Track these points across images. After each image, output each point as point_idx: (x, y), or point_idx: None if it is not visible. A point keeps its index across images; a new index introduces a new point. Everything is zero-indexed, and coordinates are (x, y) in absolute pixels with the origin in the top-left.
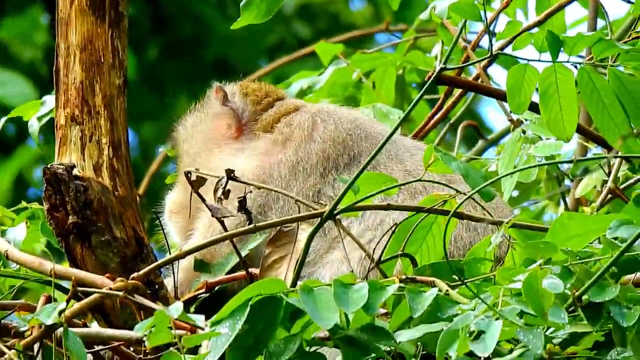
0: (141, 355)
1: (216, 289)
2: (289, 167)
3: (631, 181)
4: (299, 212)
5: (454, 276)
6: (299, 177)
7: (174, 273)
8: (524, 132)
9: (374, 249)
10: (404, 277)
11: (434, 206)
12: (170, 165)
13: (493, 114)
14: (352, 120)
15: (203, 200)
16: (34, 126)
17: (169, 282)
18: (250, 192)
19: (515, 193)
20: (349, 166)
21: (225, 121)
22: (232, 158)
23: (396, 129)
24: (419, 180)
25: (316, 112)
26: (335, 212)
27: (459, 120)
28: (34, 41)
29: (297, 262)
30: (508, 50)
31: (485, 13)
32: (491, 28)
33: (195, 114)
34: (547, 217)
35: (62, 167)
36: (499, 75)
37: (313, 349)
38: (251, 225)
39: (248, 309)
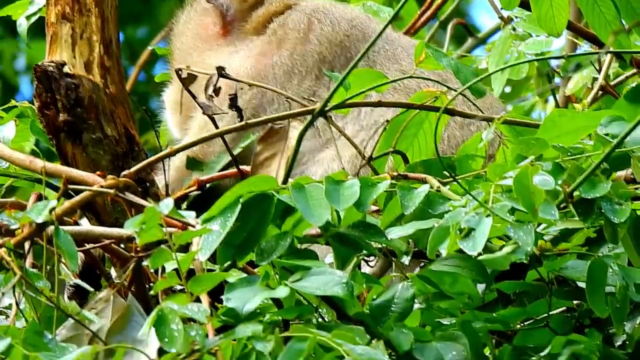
0: (132, 253)
1: (207, 186)
2: (284, 69)
3: (622, 77)
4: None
5: (445, 173)
6: (294, 79)
7: (164, 171)
8: (514, 29)
9: (365, 146)
10: (395, 174)
11: (425, 102)
12: (158, 65)
13: (482, 15)
14: (350, 19)
15: (194, 97)
16: (22, 25)
17: (160, 181)
18: (242, 89)
19: (508, 89)
20: (346, 67)
21: (211, 19)
22: (226, 59)
23: (386, 27)
24: (411, 77)
25: (312, 11)
26: (327, 109)
27: (448, 18)
28: None
29: (288, 159)
30: None
31: None
32: None
33: (187, 9)
34: (536, 115)
35: (52, 64)
36: None
37: (304, 246)
38: (242, 122)
39: (239, 206)
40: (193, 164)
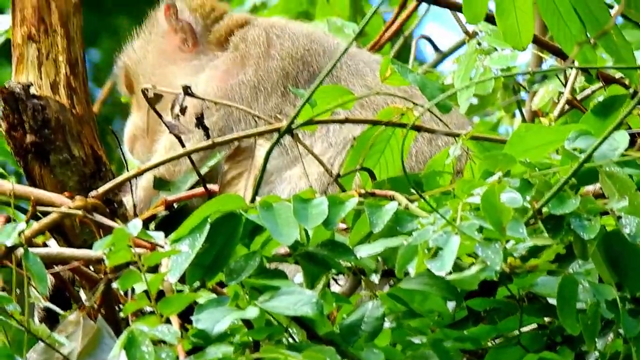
0: (101, 275)
1: (175, 206)
2: (250, 87)
3: (588, 91)
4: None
5: (413, 190)
6: (260, 97)
7: (132, 191)
8: (479, 43)
9: (332, 163)
10: (363, 191)
11: (392, 119)
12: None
13: (441, 34)
14: (307, 34)
15: (160, 117)
16: None
17: (128, 201)
18: (208, 107)
19: (475, 100)
20: (310, 83)
21: (180, 37)
22: (191, 77)
23: (352, 42)
24: (377, 93)
25: (268, 26)
26: (293, 126)
27: (412, 34)
28: None
29: (255, 178)
30: None
31: None
32: None
33: (142, 36)
34: (503, 130)
35: (19, 85)
36: None
37: (273, 265)
38: (209, 141)
39: (207, 226)
40: (160, 184)
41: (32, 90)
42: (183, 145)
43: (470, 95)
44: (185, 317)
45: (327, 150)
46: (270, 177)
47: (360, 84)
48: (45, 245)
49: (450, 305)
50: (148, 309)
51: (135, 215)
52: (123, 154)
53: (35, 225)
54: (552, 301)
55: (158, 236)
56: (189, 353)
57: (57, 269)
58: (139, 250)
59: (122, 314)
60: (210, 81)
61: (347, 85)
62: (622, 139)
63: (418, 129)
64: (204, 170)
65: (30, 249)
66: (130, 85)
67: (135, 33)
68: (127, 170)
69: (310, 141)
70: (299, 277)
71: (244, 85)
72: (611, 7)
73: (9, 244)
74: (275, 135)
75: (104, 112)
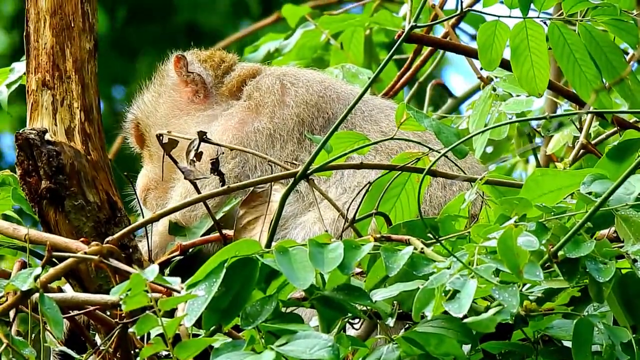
0: (117, 320)
1: (190, 251)
2: (265, 135)
3: (603, 136)
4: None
5: (429, 234)
6: (277, 144)
7: (147, 237)
8: (494, 89)
9: (348, 208)
10: (378, 235)
11: (407, 164)
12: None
13: (457, 80)
14: (321, 81)
15: (176, 162)
16: (3, 93)
17: (143, 246)
18: (222, 153)
19: (490, 149)
20: (325, 129)
21: (191, 88)
22: (206, 127)
23: (367, 88)
24: (392, 138)
25: (281, 74)
26: (309, 172)
27: (427, 80)
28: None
29: (271, 222)
30: (477, 7)
31: None
32: None
33: (152, 88)
34: (517, 175)
35: (34, 132)
36: (464, 36)
37: (289, 309)
38: (224, 187)
39: (224, 270)
40: (176, 229)
41: (47, 137)
42: (198, 191)
43: (485, 141)
44: None
45: (341, 195)
46: (285, 222)
47: (375, 129)
48: (60, 290)
49: (466, 348)
50: (164, 353)
51: (151, 260)
52: (138, 199)
53: (51, 270)
54: (568, 344)
55: (174, 281)
56: None
57: (72, 313)
58: (155, 295)
59: (138, 359)
60: (225, 130)
61: (362, 130)
62: (637, 183)
63: (434, 174)
64: (219, 215)
65: (46, 294)
66: (141, 138)
67: (144, 86)
68: (142, 216)
69: (325, 186)
70: (315, 321)
71: (260, 133)
72: (626, 52)
73: (24, 288)
74: (291, 181)
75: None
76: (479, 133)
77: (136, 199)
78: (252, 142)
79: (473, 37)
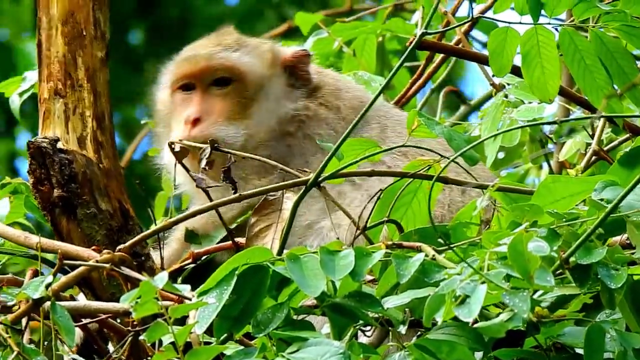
0: (129, 327)
1: (203, 258)
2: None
3: (615, 142)
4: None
5: (440, 241)
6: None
7: (159, 245)
8: (506, 96)
9: (359, 215)
10: (390, 243)
11: (418, 171)
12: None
13: (473, 80)
14: (360, 88)
15: (187, 170)
16: (15, 102)
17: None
18: (235, 161)
19: (501, 155)
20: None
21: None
22: None
23: (379, 94)
24: (403, 145)
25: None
26: (320, 179)
27: (440, 86)
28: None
29: (282, 230)
30: (488, 14)
31: None
32: None
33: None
34: (530, 181)
35: (46, 140)
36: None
37: (300, 317)
38: (236, 194)
39: (235, 278)
40: (191, 236)
41: (59, 145)
42: (210, 199)
43: (497, 147)
44: None
45: (362, 202)
46: (300, 229)
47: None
48: (72, 298)
49: (478, 355)
50: None
51: (163, 268)
52: (150, 207)
53: (63, 278)
54: (580, 351)
55: (185, 288)
56: None
57: (84, 321)
58: (166, 302)
59: None
60: None
61: (395, 131)
62: None
63: (445, 181)
64: (234, 224)
65: (58, 302)
66: None
67: None
68: (155, 224)
69: (350, 195)
70: (327, 329)
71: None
72: (637, 58)
73: (36, 297)
74: (303, 188)
75: (135, 169)
76: (489, 137)
77: (147, 205)
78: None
79: (484, 45)
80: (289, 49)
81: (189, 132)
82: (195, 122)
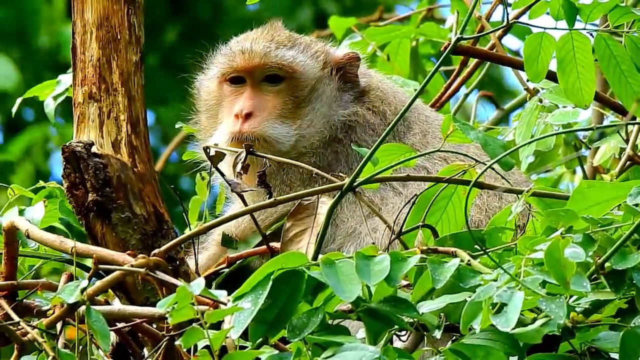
0: (164, 332)
1: (238, 263)
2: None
3: None
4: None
5: (476, 246)
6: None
7: (194, 249)
8: (540, 100)
9: (395, 220)
10: (425, 248)
11: (453, 176)
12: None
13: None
14: (402, 92)
15: (222, 175)
16: (49, 106)
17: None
18: (270, 165)
19: (531, 158)
20: (405, 134)
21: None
22: None
23: (414, 99)
24: (439, 150)
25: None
26: (355, 184)
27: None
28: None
29: (318, 235)
30: (523, 19)
31: None
32: None
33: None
34: (564, 186)
35: (80, 144)
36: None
37: (336, 321)
38: (271, 199)
39: (270, 283)
40: (227, 241)
41: (94, 149)
42: (245, 204)
43: (531, 152)
44: None
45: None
46: (341, 237)
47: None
48: (107, 302)
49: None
50: None
51: (198, 273)
52: (185, 211)
53: (98, 283)
54: (615, 355)
55: (221, 294)
56: None
57: (119, 326)
58: (201, 307)
59: None
60: None
61: (436, 137)
62: None
63: (481, 186)
64: (270, 230)
65: (93, 307)
66: None
67: None
68: (189, 229)
69: (393, 194)
70: (362, 333)
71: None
72: None
73: (71, 301)
74: (337, 193)
75: (169, 171)
76: (525, 144)
77: (182, 209)
78: None
79: (516, 53)
80: (339, 50)
81: (240, 127)
82: (247, 117)
